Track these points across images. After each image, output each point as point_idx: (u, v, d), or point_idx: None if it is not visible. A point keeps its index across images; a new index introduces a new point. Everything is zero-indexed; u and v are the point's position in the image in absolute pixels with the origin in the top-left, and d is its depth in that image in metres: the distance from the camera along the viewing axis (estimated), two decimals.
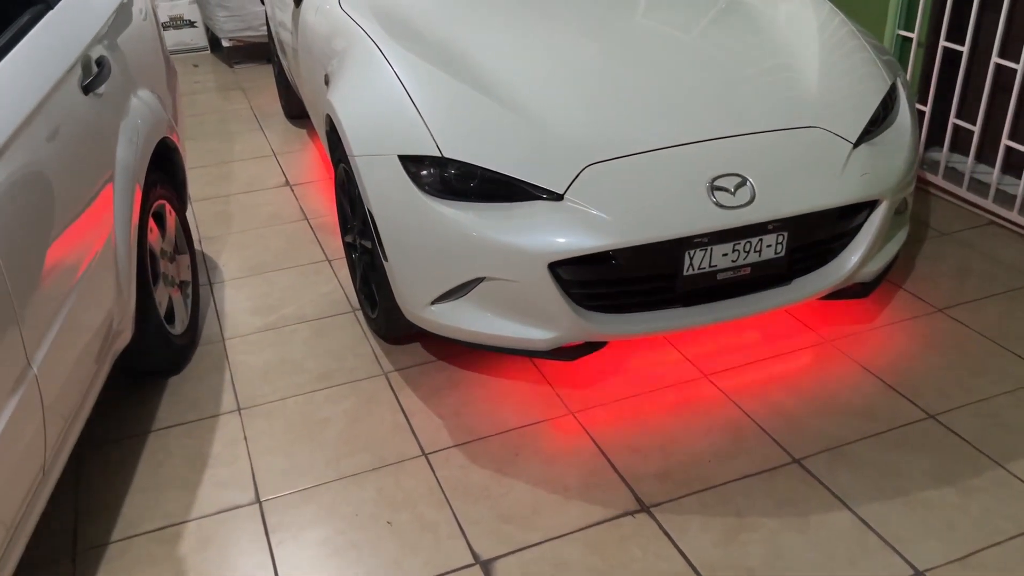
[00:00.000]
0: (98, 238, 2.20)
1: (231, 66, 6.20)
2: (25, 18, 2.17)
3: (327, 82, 3.06)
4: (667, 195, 2.39)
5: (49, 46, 2.18)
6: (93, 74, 2.32)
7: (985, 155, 3.69)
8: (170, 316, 2.83)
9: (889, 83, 2.81)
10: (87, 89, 2.26)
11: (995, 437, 2.43)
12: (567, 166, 2.40)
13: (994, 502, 2.22)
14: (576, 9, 3.15)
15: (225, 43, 6.11)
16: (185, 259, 3.05)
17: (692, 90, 2.67)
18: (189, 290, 3.05)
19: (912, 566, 2.05)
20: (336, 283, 3.36)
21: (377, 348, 2.95)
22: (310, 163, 4.53)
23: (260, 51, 6.19)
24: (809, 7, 3.12)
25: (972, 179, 3.70)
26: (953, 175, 3.78)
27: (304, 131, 4.99)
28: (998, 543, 2.10)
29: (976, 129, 3.61)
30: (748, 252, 2.47)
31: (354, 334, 3.04)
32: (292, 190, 4.22)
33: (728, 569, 2.06)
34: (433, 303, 2.54)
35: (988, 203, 3.57)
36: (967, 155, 3.72)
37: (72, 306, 2.02)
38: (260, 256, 3.59)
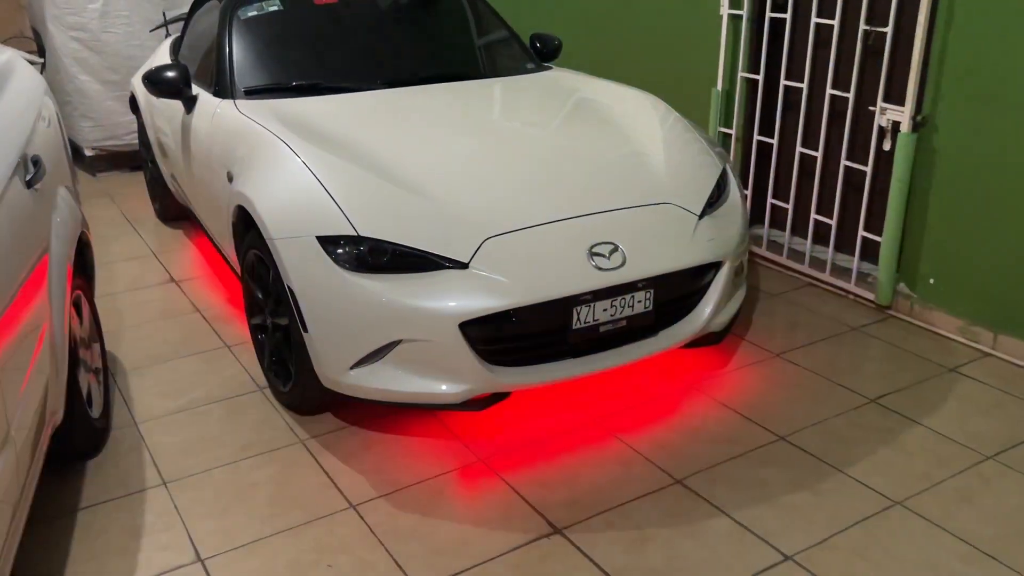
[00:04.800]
0: (42, 322, 2.36)
1: (94, 175, 6.26)
2: None
3: (230, 178, 3.33)
4: (555, 261, 2.81)
5: None
6: (32, 172, 2.51)
7: (798, 228, 4.37)
8: (88, 400, 2.93)
9: (720, 168, 3.39)
10: (29, 184, 2.45)
11: (835, 450, 2.93)
12: (469, 239, 2.79)
13: (840, 499, 2.69)
14: (445, 111, 3.62)
15: (88, 152, 6.17)
16: (97, 347, 3.17)
17: (563, 174, 3.14)
18: (101, 376, 3.16)
19: (782, 553, 2.47)
20: (239, 366, 3.54)
21: (290, 420, 3.16)
22: (192, 260, 4.69)
23: (125, 159, 6.29)
24: (648, 105, 3.71)
25: (790, 249, 4.36)
26: (774, 247, 4.44)
27: (181, 232, 5.14)
28: (846, 528, 2.56)
29: (789, 207, 4.30)
30: (623, 307, 2.91)
31: (266, 410, 3.23)
32: (178, 286, 4.37)
33: (636, 571, 2.40)
34: (352, 367, 2.81)
35: (805, 268, 4.23)
36: (784, 230, 4.39)
37: (28, 383, 2.17)
38: (159, 348, 3.72)
